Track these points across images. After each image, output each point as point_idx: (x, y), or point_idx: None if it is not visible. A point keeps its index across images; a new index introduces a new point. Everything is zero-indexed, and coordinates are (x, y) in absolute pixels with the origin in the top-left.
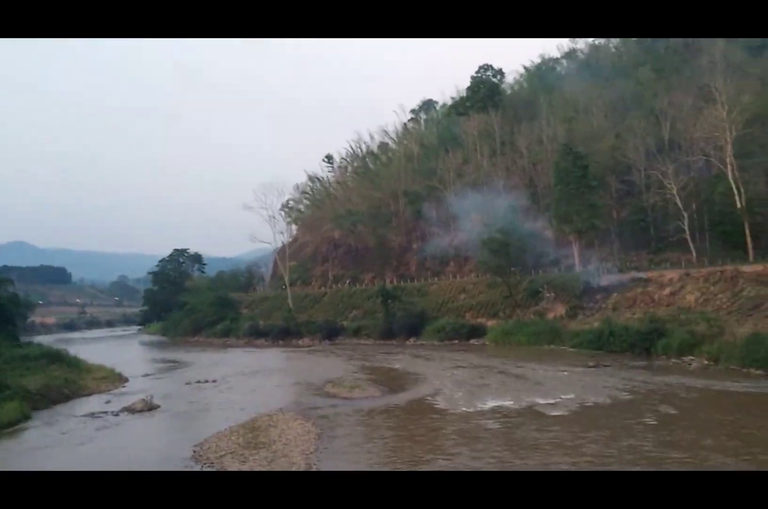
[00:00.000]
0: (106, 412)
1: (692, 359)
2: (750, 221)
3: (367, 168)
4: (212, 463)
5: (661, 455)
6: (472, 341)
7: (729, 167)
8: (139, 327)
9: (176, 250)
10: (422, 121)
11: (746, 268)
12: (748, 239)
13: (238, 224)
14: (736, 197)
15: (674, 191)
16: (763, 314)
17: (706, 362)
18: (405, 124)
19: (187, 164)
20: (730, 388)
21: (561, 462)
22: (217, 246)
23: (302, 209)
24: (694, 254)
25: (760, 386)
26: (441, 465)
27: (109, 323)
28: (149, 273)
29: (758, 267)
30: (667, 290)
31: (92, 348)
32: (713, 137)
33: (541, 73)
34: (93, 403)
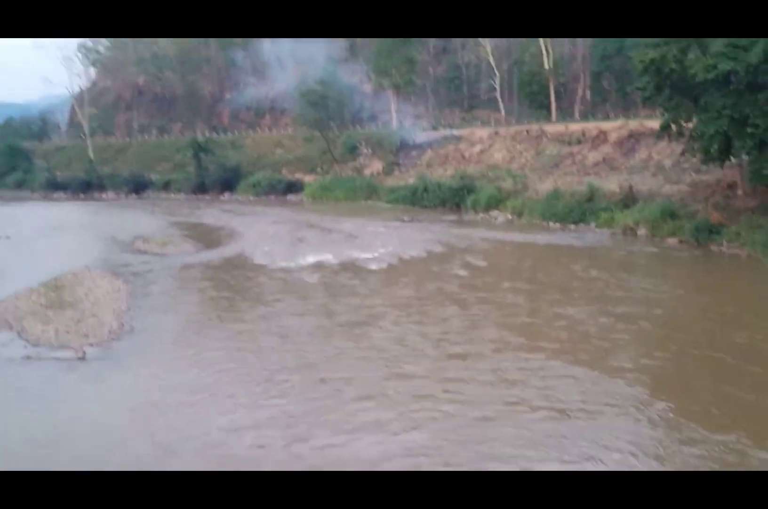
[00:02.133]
0: None
1: (498, 214)
2: (555, 82)
3: None
4: (11, 326)
5: (465, 295)
6: (289, 196)
7: None
8: None
9: None
10: None
11: (549, 127)
12: (552, 100)
13: (28, 66)
14: (545, 58)
15: (488, 50)
16: (563, 172)
17: (510, 216)
18: None
19: None
20: (529, 240)
21: (377, 305)
22: (3, 90)
23: (101, 51)
24: (503, 113)
25: (555, 237)
26: (262, 311)
27: None
28: None
29: (560, 127)
30: (477, 148)
31: None
32: None
33: None
34: None
